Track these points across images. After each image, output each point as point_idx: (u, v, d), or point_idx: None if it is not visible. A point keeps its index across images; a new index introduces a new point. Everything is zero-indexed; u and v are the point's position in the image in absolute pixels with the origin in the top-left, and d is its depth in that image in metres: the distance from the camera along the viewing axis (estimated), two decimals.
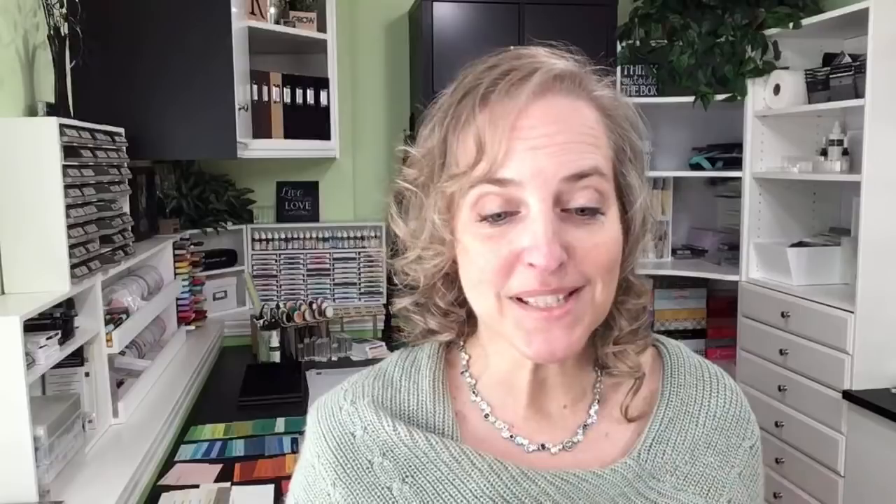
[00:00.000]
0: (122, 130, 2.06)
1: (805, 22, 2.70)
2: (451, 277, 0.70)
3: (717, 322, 3.46)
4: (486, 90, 0.63)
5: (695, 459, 0.70)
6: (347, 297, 3.31)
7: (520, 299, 0.62)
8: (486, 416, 0.72)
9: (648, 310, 0.74)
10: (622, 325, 0.71)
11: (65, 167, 1.62)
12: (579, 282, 0.62)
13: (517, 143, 0.61)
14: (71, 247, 1.62)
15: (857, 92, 2.46)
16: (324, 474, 0.70)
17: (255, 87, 2.80)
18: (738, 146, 3.04)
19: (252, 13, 2.74)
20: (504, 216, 0.62)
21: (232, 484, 1.77)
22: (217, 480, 1.79)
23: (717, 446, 0.72)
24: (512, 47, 0.67)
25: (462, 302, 0.71)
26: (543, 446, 0.70)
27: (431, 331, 0.74)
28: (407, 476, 0.67)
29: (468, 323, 0.74)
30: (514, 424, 0.71)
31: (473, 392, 0.73)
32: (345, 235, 3.31)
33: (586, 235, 0.62)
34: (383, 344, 2.98)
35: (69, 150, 1.66)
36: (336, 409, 0.73)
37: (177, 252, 2.75)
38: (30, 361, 1.44)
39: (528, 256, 0.60)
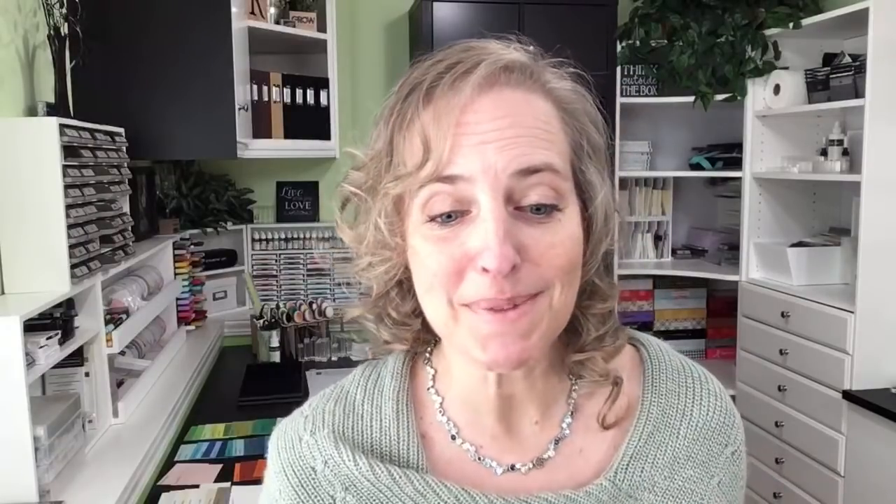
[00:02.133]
0: (122, 130, 2.06)
1: (805, 22, 2.70)
2: (406, 286, 0.67)
3: (717, 322, 3.46)
4: (429, 85, 0.60)
5: (674, 474, 0.67)
6: (347, 297, 3.30)
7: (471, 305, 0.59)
8: (453, 437, 0.68)
9: (615, 314, 0.69)
10: (589, 330, 0.67)
11: (65, 167, 1.62)
12: (537, 286, 0.58)
13: (463, 139, 0.58)
14: (71, 247, 1.62)
15: (857, 92, 2.46)
16: None
17: (255, 87, 2.80)
18: (738, 146, 3.04)
19: (252, 13, 2.74)
20: (454, 216, 0.58)
21: (232, 484, 1.77)
22: (217, 480, 1.79)
23: (697, 458, 0.69)
24: (461, 41, 0.63)
25: (419, 312, 0.67)
26: (513, 467, 0.67)
27: (385, 342, 0.71)
28: None
29: (427, 332, 0.69)
30: (482, 445, 0.68)
31: (440, 411, 0.69)
32: None
33: (542, 235, 0.58)
34: None
35: (69, 150, 1.66)
36: (296, 440, 0.69)
37: (177, 252, 2.75)
38: (30, 361, 1.44)
39: (480, 259, 0.56)
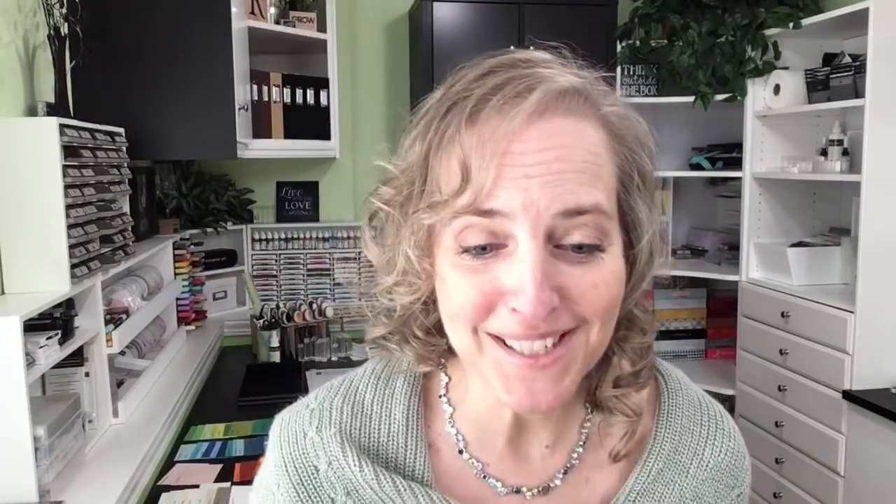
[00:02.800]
0: (122, 130, 2.06)
1: (805, 22, 2.70)
2: (433, 304, 0.62)
3: (717, 322, 3.46)
4: (475, 106, 0.54)
5: None
6: (347, 297, 3.31)
7: (500, 338, 0.55)
8: (461, 451, 0.66)
9: (653, 348, 0.66)
10: (623, 366, 0.64)
11: (65, 167, 1.62)
12: (572, 323, 0.55)
13: (507, 171, 0.53)
14: (71, 247, 1.62)
15: (857, 92, 2.46)
16: None
17: (255, 87, 2.80)
18: (738, 146, 3.04)
19: (252, 13, 2.74)
20: (489, 249, 0.54)
21: (232, 484, 1.77)
22: (217, 480, 1.79)
23: (704, 499, 0.67)
24: (512, 47, 0.60)
25: (443, 328, 0.63)
26: (518, 490, 0.65)
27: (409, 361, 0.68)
28: None
29: (451, 351, 0.65)
30: (489, 463, 0.66)
31: (450, 423, 0.67)
32: (345, 235, 3.31)
33: (583, 274, 0.54)
34: None
35: (69, 150, 1.66)
36: (300, 434, 0.67)
37: (177, 252, 2.75)
38: (30, 361, 1.44)
39: (513, 300, 0.53)
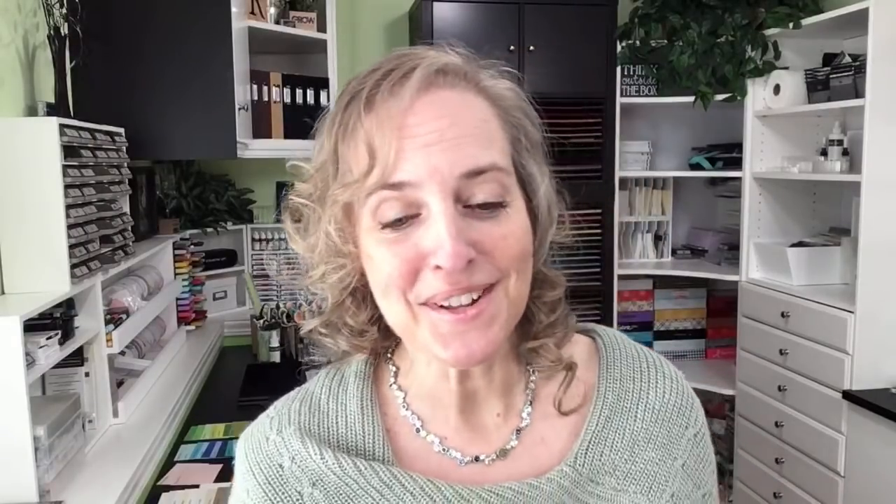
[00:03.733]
0: (122, 130, 2.06)
1: (805, 22, 2.70)
2: (361, 295, 0.68)
3: (717, 322, 3.46)
4: (369, 93, 0.60)
5: (634, 457, 0.68)
6: None
7: (429, 303, 0.60)
8: (418, 430, 0.69)
9: (564, 301, 0.71)
10: (541, 319, 0.69)
11: (65, 167, 1.62)
12: (493, 276, 0.60)
13: (407, 143, 0.58)
14: (71, 247, 1.62)
15: (857, 92, 2.46)
16: None
17: (255, 87, 2.80)
18: (738, 146, 3.04)
19: (252, 13, 2.74)
20: (405, 220, 0.59)
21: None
22: (217, 480, 1.79)
23: (657, 440, 0.70)
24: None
25: (375, 320, 0.69)
26: (477, 458, 0.68)
27: (345, 352, 0.72)
28: None
29: (390, 337, 0.71)
30: (446, 436, 0.69)
31: (404, 405, 0.71)
32: None
33: (492, 228, 0.60)
34: None
35: (69, 150, 1.66)
36: (262, 440, 0.70)
37: (177, 252, 2.75)
38: (30, 361, 1.44)
39: (434, 258, 0.58)
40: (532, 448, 0.69)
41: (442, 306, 0.60)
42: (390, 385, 0.72)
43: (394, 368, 0.73)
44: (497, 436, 0.69)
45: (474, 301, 0.59)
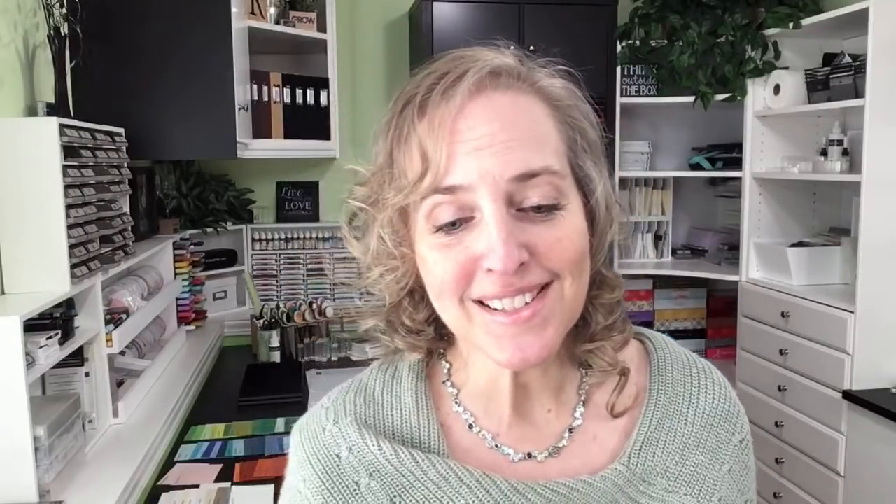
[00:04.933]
0: (122, 130, 2.06)
1: (805, 22, 2.70)
2: (419, 295, 0.68)
3: (717, 322, 3.46)
4: (423, 98, 0.61)
5: (685, 459, 0.69)
6: (347, 297, 3.31)
7: (484, 303, 0.61)
8: (471, 426, 0.70)
9: (622, 304, 0.71)
10: (598, 321, 0.69)
11: (65, 167, 1.62)
12: (545, 278, 0.60)
13: (458, 147, 0.59)
14: (71, 247, 1.62)
15: (857, 92, 2.46)
16: (311, 499, 0.68)
17: (255, 87, 2.80)
18: (738, 146, 3.04)
19: (252, 13, 2.74)
20: (459, 223, 0.60)
21: (232, 484, 1.77)
22: (217, 480, 1.79)
23: (706, 444, 0.70)
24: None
25: (431, 320, 0.70)
26: (530, 455, 0.68)
27: (400, 350, 0.72)
28: (395, 496, 0.65)
29: (444, 337, 0.72)
30: (498, 433, 0.70)
31: (456, 402, 0.71)
32: None
33: (547, 231, 0.60)
34: None
35: (69, 150, 1.66)
36: (319, 430, 0.71)
37: (177, 252, 2.75)
38: (30, 361, 1.44)
39: (486, 261, 0.58)
40: (584, 446, 0.69)
41: (496, 309, 0.60)
42: (444, 381, 0.73)
43: (447, 365, 0.73)
44: (548, 431, 0.70)
45: (527, 303, 0.60)
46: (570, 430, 0.70)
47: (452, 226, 0.60)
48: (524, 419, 0.70)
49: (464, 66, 0.61)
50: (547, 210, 0.60)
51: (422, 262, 0.64)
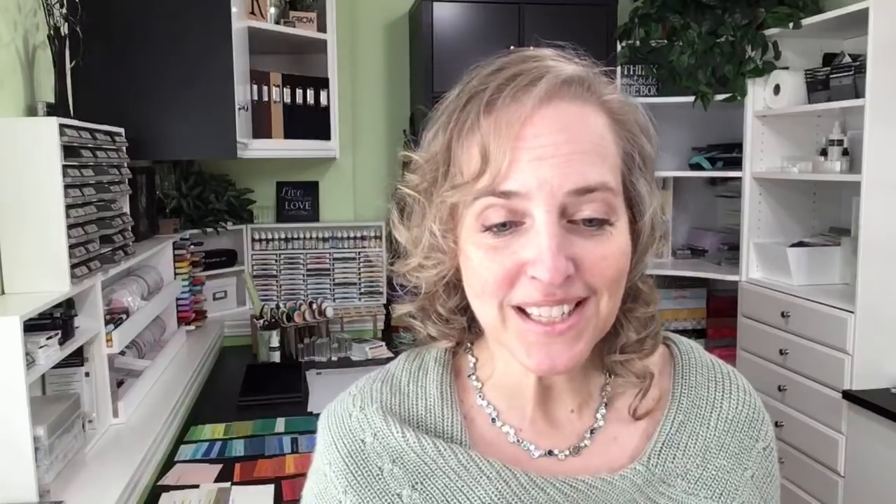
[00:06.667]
0: (122, 130, 2.06)
1: (805, 22, 2.70)
2: (454, 283, 0.69)
3: (717, 322, 3.46)
4: (491, 96, 0.60)
5: (706, 463, 0.69)
6: (347, 297, 3.31)
7: (522, 310, 0.61)
8: (494, 420, 0.71)
9: (658, 318, 0.72)
10: (629, 335, 0.69)
11: (65, 167, 1.62)
12: (584, 292, 0.61)
13: (522, 153, 0.59)
14: (71, 247, 1.62)
15: (857, 92, 2.46)
16: (335, 482, 0.70)
17: (255, 87, 2.80)
18: (738, 146, 3.04)
19: (252, 13, 2.74)
20: (508, 226, 0.60)
21: (232, 484, 1.77)
22: (217, 480, 1.79)
23: (729, 449, 0.70)
24: (512, 48, 0.65)
25: (464, 308, 0.70)
26: (551, 452, 0.69)
27: (431, 337, 0.73)
28: (416, 483, 0.67)
29: (473, 328, 0.73)
30: (521, 429, 0.70)
31: (480, 395, 0.72)
32: (345, 235, 3.31)
33: (594, 247, 0.60)
34: (383, 344, 2.98)
35: (69, 150, 1.66)
36: (345, 415, 0.73)
37: (177, 252, 2.75)
38: (30, 361, 1.44)
39: (532, 269, 0.59)
40: (605, 446, 0.70)
41: (532, 317, 0.61)
42: (469, 375, 0.74)
43: (473, 359, 0.74)
44: (570, 430, 0.70)
45: (564, 316, 0.60)
46: (592, 431, 0.70)
47: (502, 226, 0.60)
48: (547, 418, 0.70)
49: (537, 72, 0.61)
50: (597, 224, 0.60)
51: (465, 258, 0.64)
